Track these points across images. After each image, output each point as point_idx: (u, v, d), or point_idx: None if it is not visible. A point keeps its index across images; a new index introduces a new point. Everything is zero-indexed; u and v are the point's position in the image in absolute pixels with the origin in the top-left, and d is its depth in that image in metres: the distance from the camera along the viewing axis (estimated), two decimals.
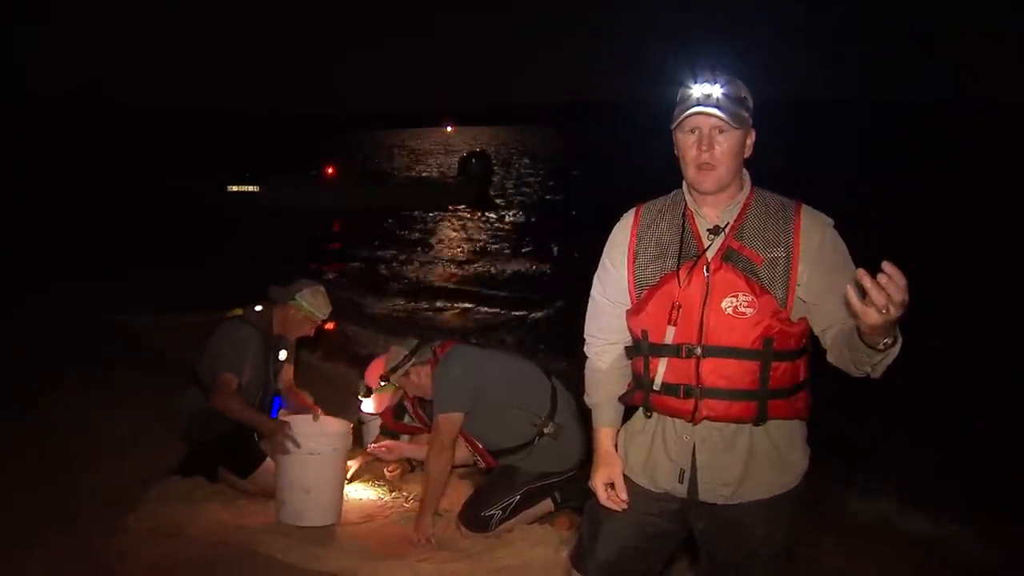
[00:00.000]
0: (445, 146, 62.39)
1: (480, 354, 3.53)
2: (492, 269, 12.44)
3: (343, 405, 4.17)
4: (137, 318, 7.01)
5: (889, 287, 1.40)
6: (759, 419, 1.80)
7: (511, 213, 19.66)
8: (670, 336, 1.82)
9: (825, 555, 3.48)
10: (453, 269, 12.47)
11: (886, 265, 1.40)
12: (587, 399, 2.09)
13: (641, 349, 1.88)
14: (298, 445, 3.29)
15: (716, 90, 1.76)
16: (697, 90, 1.77)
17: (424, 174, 32.67)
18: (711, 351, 1.77)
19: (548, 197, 24.60)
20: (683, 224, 1.88)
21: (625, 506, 1.96)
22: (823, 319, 1.77)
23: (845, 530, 3.81)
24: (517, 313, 9.17)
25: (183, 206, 17.72)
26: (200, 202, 18.42)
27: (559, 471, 3.33)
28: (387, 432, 3.85)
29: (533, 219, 18.37)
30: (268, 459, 3.60)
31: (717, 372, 1.78)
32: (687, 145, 1.81)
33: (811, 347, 1.84)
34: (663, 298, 1.83)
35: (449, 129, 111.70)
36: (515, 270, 12.37)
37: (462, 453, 3.43)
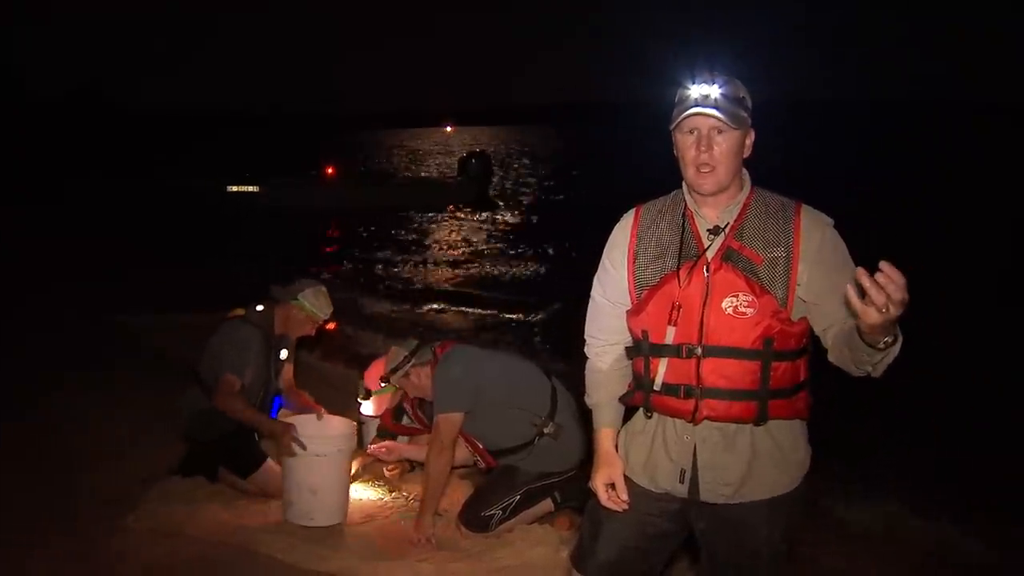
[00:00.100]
0: (445, 146, 62.36)
1: (480, 354, 3.52)
2: (491, 269, 12.44)
3: (342, 405, 4.16)
4: (137, 318, 7.01)
5: (888, 287, 1.40)
6: (760, 419, 1.80)
7: (511, 213, 19.65)
8: (670, 336, 1.82)
9: (825, 555, 3.48)
10: (452, 269, 12.46)
11: (884, 265, 1.40)
12: (587, 400, 2.09)
13: (641, 349, 1.88)
14: (304, 447, 3.29)
15: (714, 90, 1.76)
16: (695, 91, 1.77)
17: (424, 174, 32.66)
18: (711, 351, 1.77)
19: (548, 197, 24.59)
20: (683, 224, 1.88)
21: (626, 506, 1.96)
22: (823, 319, 1.77)
23: (845, 530, 3.81)
24: (517, 313, 9.16)
25: (183, 206, 17.72)
26: (200, 202, 18.42)
27: (559, 471, 3.33)
28: (384, 433, 3.84)
29: (533, 219, 18.37)
30: (269, 460, 3.60)
31: (717, 372, 1.78)
32: (686, 146, 1.81)
33: (811, 347, 1.85)
34: (663, 298, 1.83)
35: (449, 129, 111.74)
36: (514, 270, 12.37)
37: (462, 453, 3.43)
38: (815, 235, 1.78)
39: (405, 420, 3.82)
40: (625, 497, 1.96)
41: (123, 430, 4.25)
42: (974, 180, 22.96)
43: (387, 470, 3.80)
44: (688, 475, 1.89)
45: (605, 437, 2.03)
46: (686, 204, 1.90)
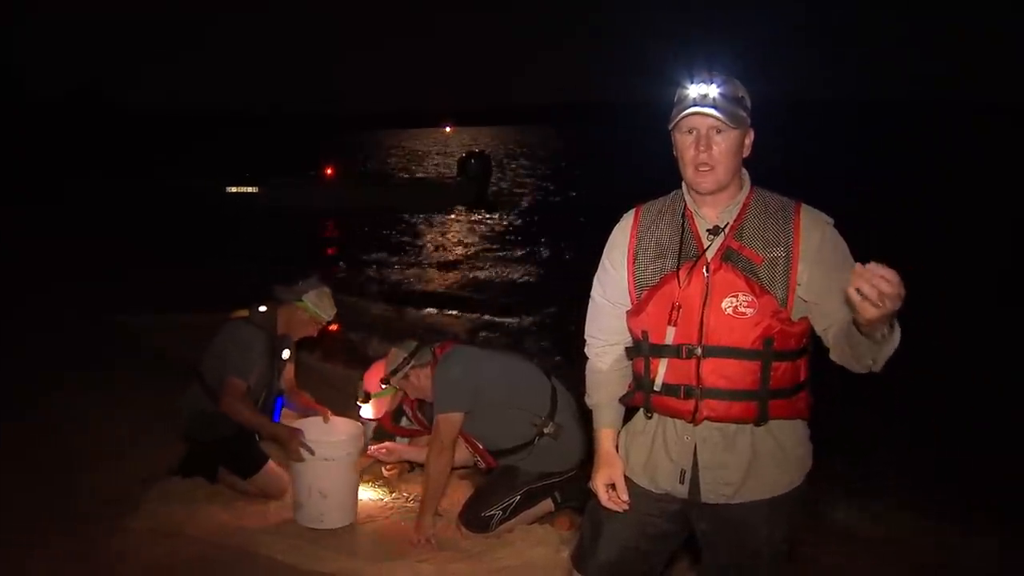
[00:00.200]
0: (444, 147, 62.35)
1: (480, 354, 3.52)
2: (490, 270, 12.43)
3: (342, 405, 4.16)
4: (137, 318, 7.01)
5: (881, 284, 1.40)
6: (760, 419, 1.80)
7: (510, 214, 19.64)
8: (670, 337, 1.82)
9: (826, 555, 3.49)
10: (451, 270, 12.45)
11: (872, 265, 1.41)
12: (588, 400, 2.09)
13: (641, 350, 1.88)
14: (312, 452, 3.29)
15: (712, 90, 1.76)
16: (693, 90, 1.77)
17: (423, 175, 32.64)
18: (711, 351, 1.77)
19: (547, 197, 24.56)
20: (683, 224, 1.88)
21: (626, 507, 1.96)
22: (824, 318, 1.77)
23: (845, 530, 3.81)
24: (516, 314, 9.15)
25: (183, 206, 17.72)
26: (200, 202, 18.41)
27: (559, 471, 3.33)
28: (383, 435, 3.84)
29: (532, 220, 18.34)
30: (270, 461, 3.60)
31: (717, 372, 1.78)
32: (685, 145, 1.81)
33: (811, 347, 1.85)
34: (663, 299, 1.83)
35: (448, 129, 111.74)
36: (514, 271, 12.36)
37: (462, 454, 3.43)
38: (815, 234, 1.78)
39: (404, 422, 3.82)
40: (625, 497, 1.96)
41: (123, 430, 4.25)
42: (974, 180, 22.96)
43: (386, 470, 3.80)
44: (688, 475, 1.89)
45: (605, 437, 2.03)
46: (686, 204, 1.90)
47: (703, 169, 1.79)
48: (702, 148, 1.78)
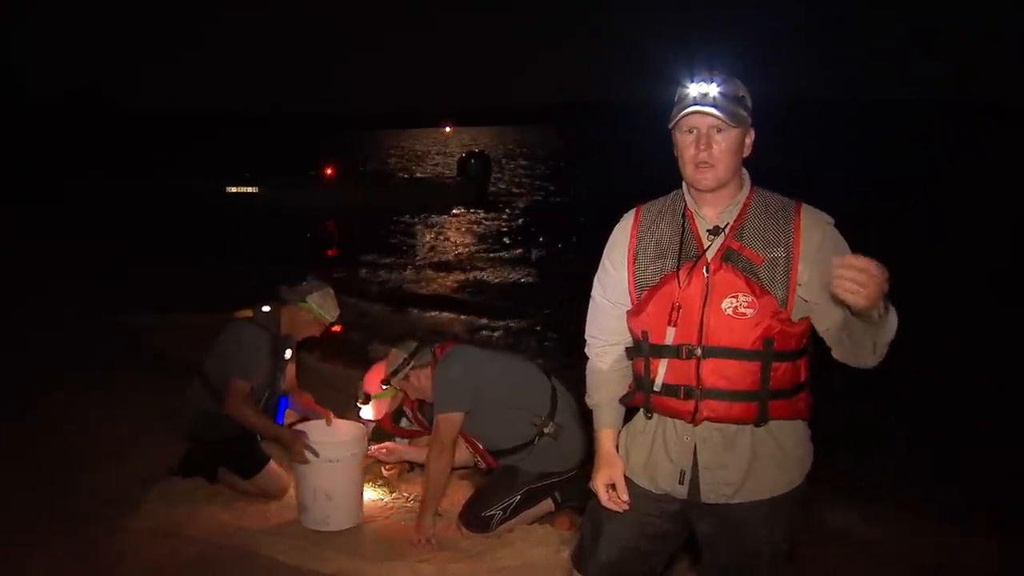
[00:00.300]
0: (444, 147, 62.34)
1: (479, 354, 3.52)
2: (490, 270, 12.42)
3: (342, 406, 4.16)
4: (137, 318, 7.01)
5: (858, 277, 1.44)
6: (760, 420, 1.80)
7: (510, 214, 19.63)
8: (670, 337, 1.82)
9: (826, 555, 3.48)
10: (451, 270, 12.44)
11: (836, 261, 1.46)
12: (588, 400, 2.09)
13: (641, 350, 1.88)
14: (317, 454, 3.29)
15: (713, 89, 1.76)
16: (694, 89, 1.77)
17: (423, 175, 32.62)
18: (711, 352, 1.77)
19: (547, 198, 24.55)
20: (683, 225, 1.87)
21: (626, 507, 1.96)
22: (826, 318, 1.77)
23: (845, 530, 3.81)
24: (516, 314, 9.15)
25: (183, 206, 17.73)
26: (200, 202, 18.42)
27: (560, 471, 3.33)
28: (382, 435, 3.84)
29: (532, 220, 18.32)
30: (271, 461, 3.60)
31: (717, 373, 1.78)
32: (685, 144, 1.81)
33: (812, 347, 1.85)
34: (663, 299, 1.83)
35: (448, 130, 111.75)
36: (513, 271, 12.35)
37: (463, 454, 3.43)
38: (815, 234, 1.78)
39: (404, 423, 3.82)
40: (625, 498, 1.96)
41: (123, 430, 4.25)
42: (974, 180, 22.96)
43: (385, 470, 3.80)
44: (688, 476, 1.89)
45: (606, 438, 2.03)
46: (686, 204, 1.90)
47: (703, 166, 1.79)
48: (702, 147, 1.78)
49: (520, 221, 18.28)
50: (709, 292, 1.78)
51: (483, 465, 3.49)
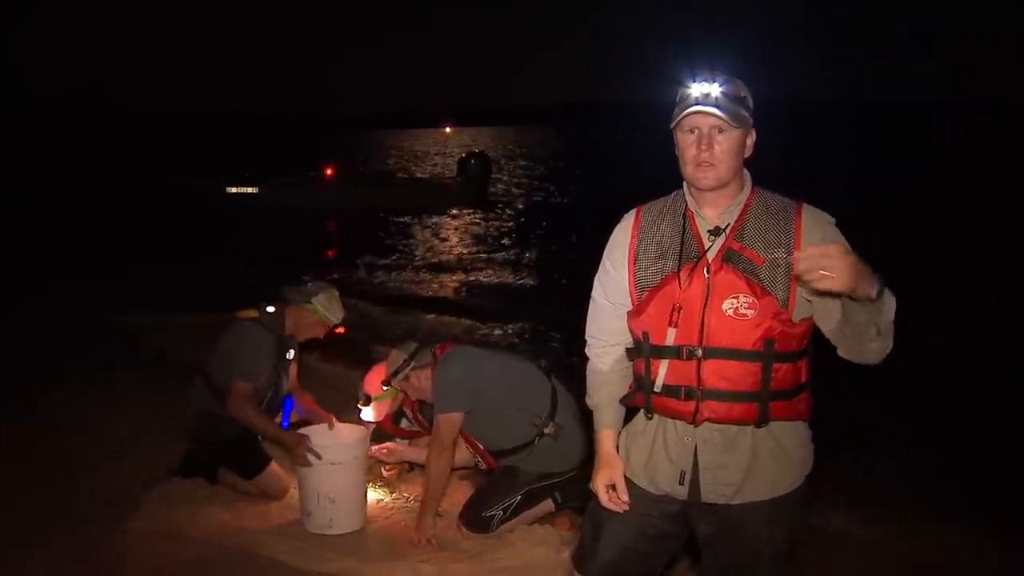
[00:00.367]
0: (444, 147, 62.34)
1: (480, 355, 3.52)
2: (490, 270, 12.42)
3: (342, 406, 4.16)
4: (137, 318, 7.01)
5: (821, 262, 1.48)
6: (761, 421, 1.80)
7: (510, 214, 19.63)
8: (671, 338, 1.81)
9: (826, 555, 3.48)
10: (451, 271, 12.43)
11: (809, 250, 1.52)
12: (588, 401, 2.09)
13: (642, 351, 1.88)
14: (320, 457, 3.29)
15: (715, 89, 1.76)
16: (696, 89, 1.77)
17: (423, 175, 32.61)
18: (712, 353, 1.77)
19: (547, 198, 24.55)
20: (684, 225, 1.87)
21: (626, 508, 1.96)
22: (829, 318, 1.76)
23: (845, 530, 3.80)
24: (516, 314, 9.14)
25: (183, 206, 17.73)
26: (200, 202, 18.42)
27: (560, 471, 3.33)
28: (382, 436, 3.84)
29: (532, 220, 18.31)
30: (272, 462, 3.60)
31: (718, 374, 1.77)
32: (686, 144, 1.81)
33: (812, 348, 1.84)
34: (664, 299, 1.83)
35: (448, 130, 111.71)
36: (513, 271, 12.35)
37: (463, 454, 3.43)
38: (816, 235, 1.78)
39: (405, 424, 3.82)
40: (626, 498, 1.96)
41: (123, 430, 4.26)
42: (974, 180, 22.97)
43: (385, 470, 3.80)
44: (688, 477, 1.88)
45: (606, 438, 2.03)
46: (687, 205, 1.89)
47: (704, 166, 1.78)
48: (704, 147, 1.78)
49: (520, 221, 18.27)
50: (710, 293, 1.78)
51: (483, 465, 3.49)
